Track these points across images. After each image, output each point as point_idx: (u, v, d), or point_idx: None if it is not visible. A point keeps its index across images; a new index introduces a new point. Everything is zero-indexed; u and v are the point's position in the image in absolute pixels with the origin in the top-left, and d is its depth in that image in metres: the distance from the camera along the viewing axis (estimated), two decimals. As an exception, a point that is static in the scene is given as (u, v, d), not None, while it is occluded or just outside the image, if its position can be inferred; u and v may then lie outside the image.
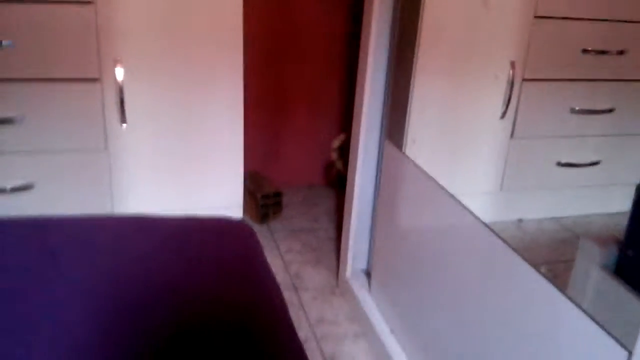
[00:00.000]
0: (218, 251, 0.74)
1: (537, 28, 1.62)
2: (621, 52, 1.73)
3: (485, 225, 1.14)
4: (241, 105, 1.62)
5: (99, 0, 1.43)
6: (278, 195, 1.99)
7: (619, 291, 0.90)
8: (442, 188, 1.29)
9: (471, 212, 1.19)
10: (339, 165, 2.13)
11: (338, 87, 2.20)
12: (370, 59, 1.44)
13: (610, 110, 1.79)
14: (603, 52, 1.71)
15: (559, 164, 1.84)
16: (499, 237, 1.09)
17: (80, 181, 1.55)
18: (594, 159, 1.86)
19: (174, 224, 0.80)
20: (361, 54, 1.47)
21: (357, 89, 1.49)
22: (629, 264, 0.93)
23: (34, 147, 1.49)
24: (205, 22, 1.52)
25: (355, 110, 1.50)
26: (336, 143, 2.14)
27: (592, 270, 0.96)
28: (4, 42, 1.38)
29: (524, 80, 1.66)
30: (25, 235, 0.79)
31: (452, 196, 1.25)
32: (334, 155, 2.16)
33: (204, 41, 1.54)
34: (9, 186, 1.49)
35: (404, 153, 1.43)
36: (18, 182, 1.50)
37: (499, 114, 1.67)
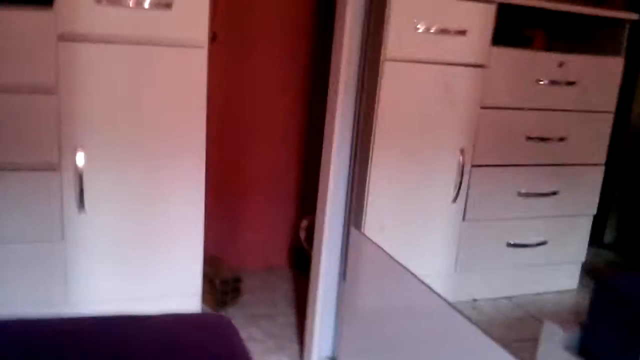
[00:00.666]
0: (206, 348, 0.73)
1: (484, 117, 1.73)
2: (562, 139, 1.86)
3: (451, 305, 1.17)
4: (202, 194, 1.63)
5: (61, 89, 1.44)
6: (237, 280, 1.97)
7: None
8: (407, 270, 1.32)
9: (436, 293, 1.22)
10: (306, 245, 2.14)
11: (297, 169, 2.25)
12: (334, 150, 1.50)
13: (554, 193, 1.90)
14: (545, 139, 1.84)
15: (509, 245, 1.92)
16: (465, 316, 1.12)
17: (33, 273, 1.49)
18: (541, 239, 1.95)
19: (155, 321, 0.79)
20: (325, 145, 1.52)
21: (321, 177, 1.54)
22: (592, 345, 0.97)
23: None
24: (167, 110, 1.55)
25: (320, 196, 1.54)
26: (304, 223, 2.15)
27: (556, 351, 1.00)
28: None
29: (473, 166, 1.76)
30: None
31: (416, 277, 1.29)
32: (302, 235, 2.17)
33: (166, 128, 1.56)
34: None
35: (368, 237, 1.47)
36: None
37: (451, 198, 1.75)
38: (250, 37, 2.07)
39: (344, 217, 1.56)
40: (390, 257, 1.38)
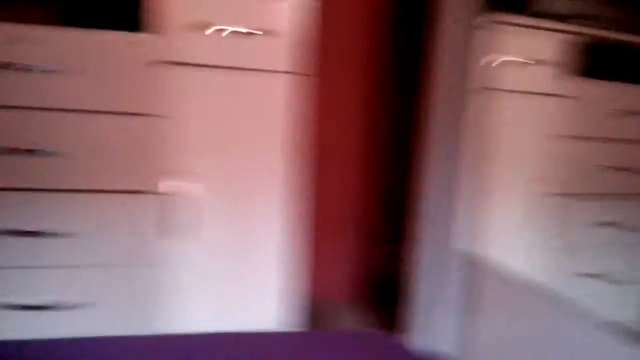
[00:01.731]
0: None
1: (565, 147, 1.72)
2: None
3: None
4: (288, 223, 1.63)
5: (164, 113, 1.47)
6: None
7: None
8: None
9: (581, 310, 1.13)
10: (389, 271, 2.11)
11: (369, 199, 2.24)
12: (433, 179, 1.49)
13: None
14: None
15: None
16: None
17: (130, 297, 1.50)
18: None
19: (307, 338, 0.79)
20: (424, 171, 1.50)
21: (421, 206, 1.50)
22: None
23: (81, 262, 1.46)
24: (259, 136, 1.58)
25: (422, 224, 1.52)
26: (382, 251, 2.13)
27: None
28: (61, 151, 1.39)
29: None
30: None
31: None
32: (387, 260, 2.14)
33: (265, 158, 1.59)
34: (64, 301, 1.43)
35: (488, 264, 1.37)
36: (70, 299, 1.45)
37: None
38: (329, 67, 2.10)
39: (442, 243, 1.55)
40: (528, 282, 1.32)
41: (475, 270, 1.44)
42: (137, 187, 1.48)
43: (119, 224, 1.47)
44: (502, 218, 1.67)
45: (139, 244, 1.50)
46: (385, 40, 2.16)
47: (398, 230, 2.14)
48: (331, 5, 2.06)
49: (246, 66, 1.53)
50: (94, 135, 1.42)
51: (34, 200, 1.40)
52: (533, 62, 1.60)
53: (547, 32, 1.62)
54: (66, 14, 1.54)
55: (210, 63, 1.50)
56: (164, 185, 1.49)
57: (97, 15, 1.49)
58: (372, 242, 2.23)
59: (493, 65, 1.52)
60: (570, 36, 1.63)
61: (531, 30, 1.58)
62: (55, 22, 1.56)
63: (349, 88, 2.16)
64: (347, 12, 2.11)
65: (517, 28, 1.57)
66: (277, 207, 1.62)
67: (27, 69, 1.35)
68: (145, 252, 1.51)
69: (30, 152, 1.38)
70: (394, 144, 2.21)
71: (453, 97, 1.51)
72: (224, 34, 1.49)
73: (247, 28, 1.51)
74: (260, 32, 1.51)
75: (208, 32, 1.48)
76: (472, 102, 1.49)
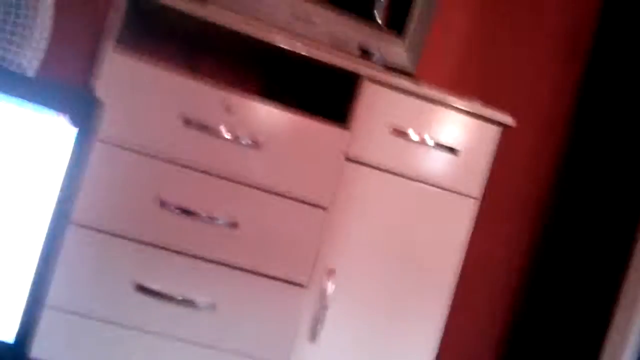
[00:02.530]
0: None
1: None
2: None
3: None
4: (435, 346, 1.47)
5: (332, 207, 1.39)
6: None
7: None
8: None
9: None
10: None
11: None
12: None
13: None
14: None
15: None
16: None
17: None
18: None
19: None
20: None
21: None
22: None
23: (210, 341, 1.35)
24: (425, 252, 1.46)
25: None
26: None
27: None
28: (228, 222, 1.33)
29: None
30: None
31: None
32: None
33: (418, 270, 1.46)
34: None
35: None
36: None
37: None
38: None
39: None
40: None
41: None
42: (292, 279, 1.39)
43: (258, 312, 1.38)
44: None
45: (273, 339, 1.39)
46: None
47: None
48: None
49: (434, 181, 1.45)
50: (263, 214, 1.37)
51: (191, 266, 1.35)
52: None
53: None
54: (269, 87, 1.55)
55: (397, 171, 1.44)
56: (318, 282, 1.39)
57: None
58: None
59: None
60: None
61: None
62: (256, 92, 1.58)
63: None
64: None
65: None
66: (430, 328, 1.48)
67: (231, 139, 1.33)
68: (277, 348, 1.39)
69: (200, 216, 1.33)
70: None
71: None
72: (421, 142, 1.42)
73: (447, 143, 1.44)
74: (458, 150, 1.44)
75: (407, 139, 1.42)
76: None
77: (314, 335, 1.40)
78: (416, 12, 1.71)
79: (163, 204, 1.32)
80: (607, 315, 1.69)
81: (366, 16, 1.69)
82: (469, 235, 1.48)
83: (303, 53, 1.38)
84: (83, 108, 0.95)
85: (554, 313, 1.96)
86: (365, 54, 1.65)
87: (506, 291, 2.02)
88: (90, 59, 1.50)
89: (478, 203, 1.49)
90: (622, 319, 1.65)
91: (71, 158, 0.95)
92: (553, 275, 1.98)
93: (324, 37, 1.62)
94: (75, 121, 0.94)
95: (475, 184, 1.48)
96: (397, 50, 1.70)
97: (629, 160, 1.83)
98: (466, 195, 1.48)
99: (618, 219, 1.81)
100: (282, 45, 1.37)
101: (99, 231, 1.29)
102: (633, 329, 1.63)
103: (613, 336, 1.65)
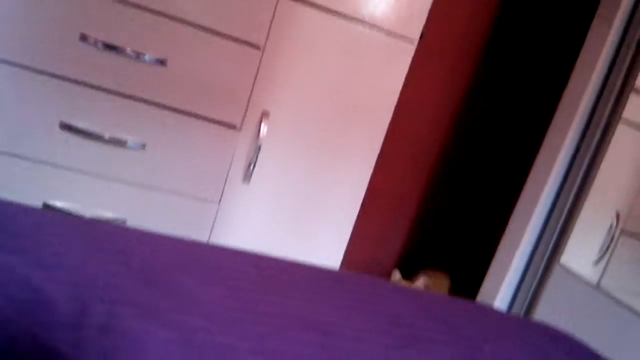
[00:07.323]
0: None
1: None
2: None
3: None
4: (361, 194, 1.52)
5: (266, 46, 1.34)
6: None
7: None
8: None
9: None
10: None
11: (423, 191, 2.11)
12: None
13: None
14: None
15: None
16: None
17: (178, 228, 1.40)
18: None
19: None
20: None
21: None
22: None
23: (141, 180, 1.35)
24: (360, 95, 1.45)
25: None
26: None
27: None
28: (161, 60, 1.28)
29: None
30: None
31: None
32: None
33: (353, 115, 1.46)
34: (103, 214, 1.34)
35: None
36: (110, 214, 1.35)
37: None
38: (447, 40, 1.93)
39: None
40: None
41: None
42: (225, 119, 1.37)
43: (193, 153, 1.37)
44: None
45: (207, 179, 1.40)
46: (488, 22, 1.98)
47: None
48: None
49: (372, 22, 1.40)
50: (193, 52, 1.31)
51: (119, 105, 1.30)
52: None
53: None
54: None
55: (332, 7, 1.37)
56: (252, 124, 1.38)
57: None
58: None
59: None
60: None
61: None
62: None
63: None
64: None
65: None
66: (359, 175, 1.51)
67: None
68: (210, 187, 1.41)
69: (125, 52, 1.26)
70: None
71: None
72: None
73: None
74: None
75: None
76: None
77: (247, 176, 1.42)
78: None
79: (84, 38, 1.24)
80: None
81: None
82: (404, 79, 1.47)
83: None
84: None
85: (479, 157, 2.04)
86: None
87: (435, 130, 2.06)
88: None
89: (415, 46, 1.46)
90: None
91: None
92: (483, 122, 2.03)
93: None
94: None
95: (415, 27, 1.45)
96: None
97: None
98: (404, 37, 1.45)
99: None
100: None
101: (15, 65, 1.22)
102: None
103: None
